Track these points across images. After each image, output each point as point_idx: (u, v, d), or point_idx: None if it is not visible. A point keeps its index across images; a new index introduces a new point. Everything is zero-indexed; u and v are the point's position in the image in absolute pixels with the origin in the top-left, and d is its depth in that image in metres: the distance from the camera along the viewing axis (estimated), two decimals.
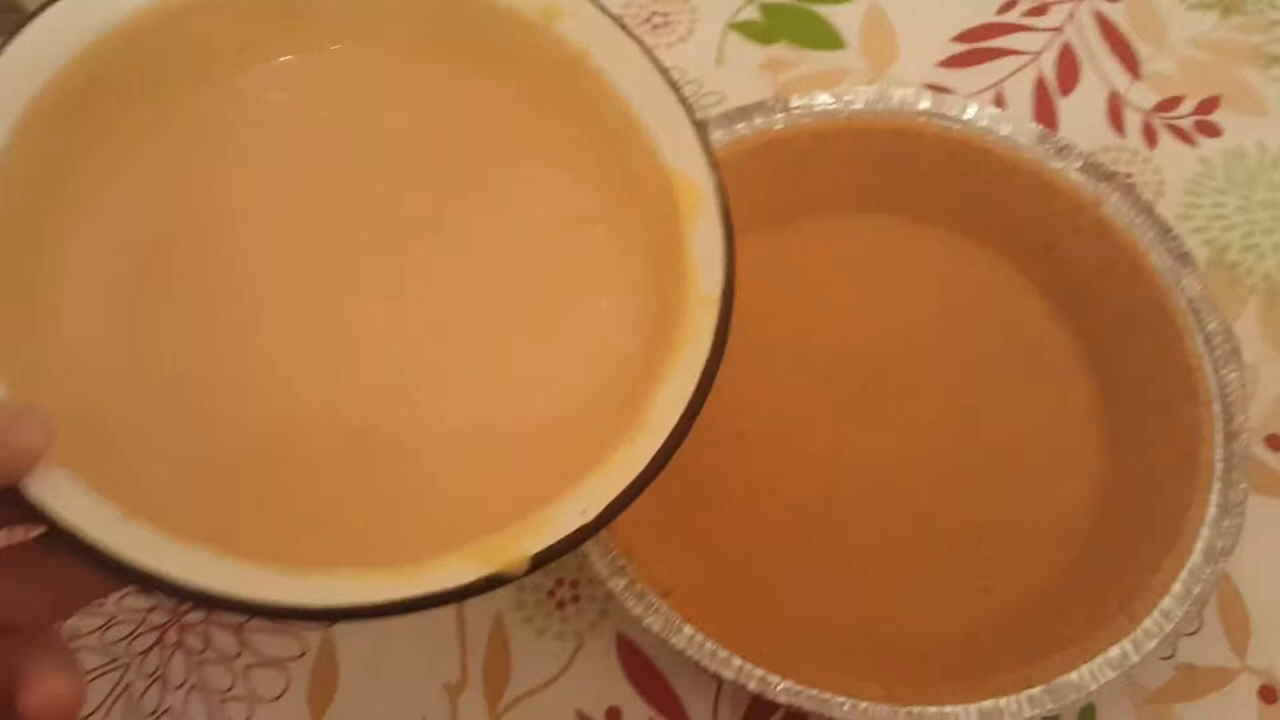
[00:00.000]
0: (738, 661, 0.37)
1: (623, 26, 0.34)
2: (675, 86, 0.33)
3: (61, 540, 0.24)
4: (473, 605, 0.41)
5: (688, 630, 0.37)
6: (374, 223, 0.34)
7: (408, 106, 0.36)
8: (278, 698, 0.40)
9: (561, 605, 0.41)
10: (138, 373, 0.30)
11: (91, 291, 0.30)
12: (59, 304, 0.30)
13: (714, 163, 0.33)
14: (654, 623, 0.37)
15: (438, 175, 0.35)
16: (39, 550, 0.25)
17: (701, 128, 0.33)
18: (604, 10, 0.34)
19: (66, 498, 0.24)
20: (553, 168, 0.35)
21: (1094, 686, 0.37)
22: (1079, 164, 0.45)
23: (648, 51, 0.34)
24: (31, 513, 0.24)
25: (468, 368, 0.33)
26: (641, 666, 0.41)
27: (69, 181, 0.30)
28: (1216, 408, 0.41)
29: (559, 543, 0.27)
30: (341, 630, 0.41)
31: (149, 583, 0.24)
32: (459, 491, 0.31)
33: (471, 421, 0.32)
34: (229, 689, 0.40)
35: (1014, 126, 0.46)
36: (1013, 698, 0.37)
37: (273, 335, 0.32)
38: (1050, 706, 0.36)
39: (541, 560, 0.27)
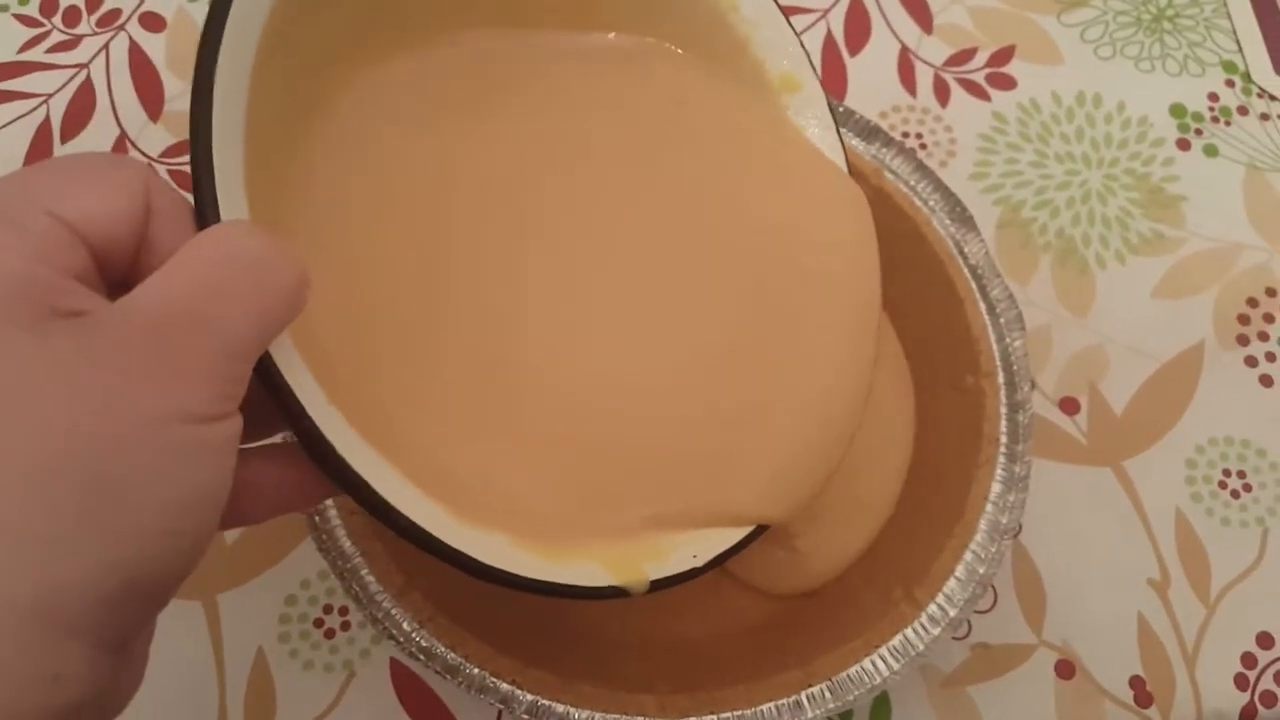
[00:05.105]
0: (505, 687, 0.35)
1: (836, 123, 0.35)
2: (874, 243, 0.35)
3: (280, 404, 0.21)
4: (230, 638, 0.38)
5: (451, 657, 0.35)
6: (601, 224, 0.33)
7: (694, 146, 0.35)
8: None
9: (330, 635, 0.39)
10: (375, 258, 0.28)
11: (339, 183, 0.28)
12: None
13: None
14: (421, 650, 0.35)
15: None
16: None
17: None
18: (829, 99, 0.35)
19: (294, 367, 0.22)
20: None
21: (879, 679, 0.35)
22: (860, 130, 0.43)
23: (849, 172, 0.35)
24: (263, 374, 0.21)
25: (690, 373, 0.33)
26: (418, 694, 0.38)
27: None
28: (1000, 378, 0.39)
29: (672, 576, 0.29)
30: None
31: (334, 471, 0.22)
32: (625, 470, 0.31)
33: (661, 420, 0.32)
34: None
35: None
36: (792, 698, 0.35)
37: (499, 273, 0.31)
38: (834, 704, 0.35)
39: (656, 586, 0.29)
